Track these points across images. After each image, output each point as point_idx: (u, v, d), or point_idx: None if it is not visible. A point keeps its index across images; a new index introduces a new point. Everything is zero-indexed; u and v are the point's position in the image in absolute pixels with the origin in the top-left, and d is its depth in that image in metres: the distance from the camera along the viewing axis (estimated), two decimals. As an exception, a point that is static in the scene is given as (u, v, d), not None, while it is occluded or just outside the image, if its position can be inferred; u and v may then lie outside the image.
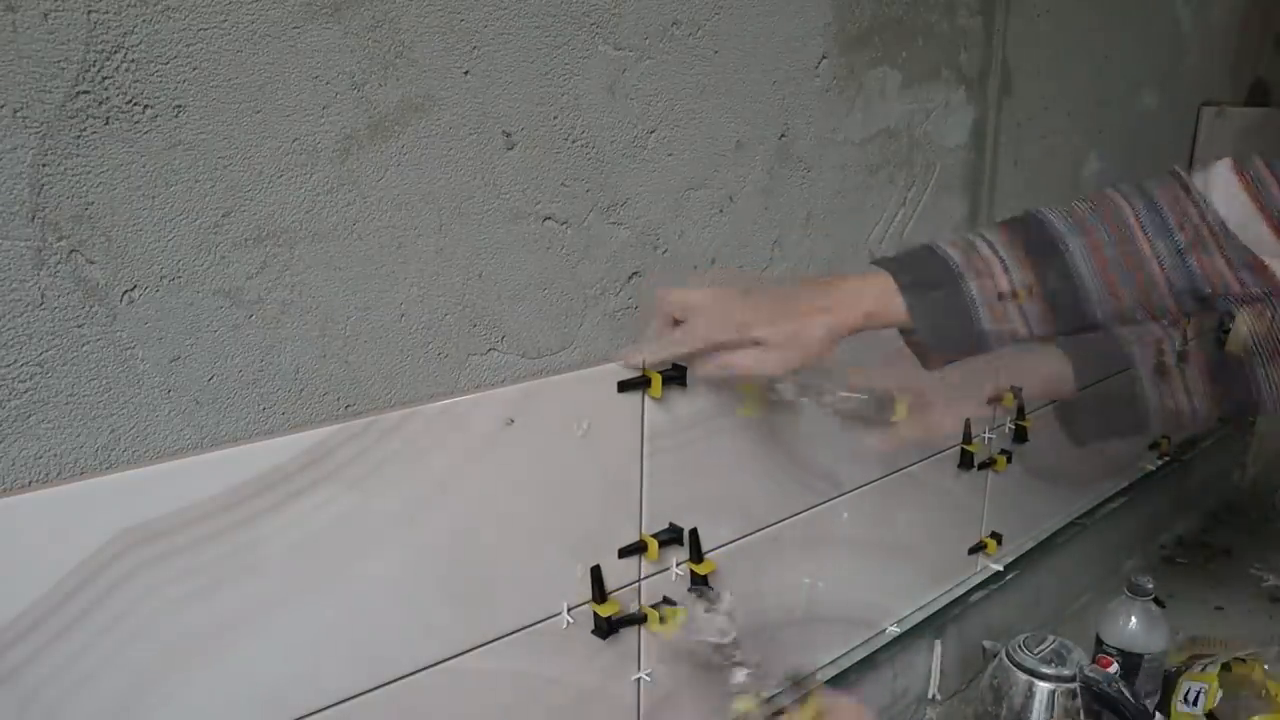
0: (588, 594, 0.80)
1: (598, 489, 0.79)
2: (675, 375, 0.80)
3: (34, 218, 0.49)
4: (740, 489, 0.91)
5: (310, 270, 0.60)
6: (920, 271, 0.74)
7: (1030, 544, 1.40)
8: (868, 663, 1.13)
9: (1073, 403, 1.15)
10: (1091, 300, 0.72)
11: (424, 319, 0.66)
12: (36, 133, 0.48)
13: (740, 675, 0.79)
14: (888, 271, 0.74)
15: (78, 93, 0.49)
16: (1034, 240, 0.73)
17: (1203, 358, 0.84)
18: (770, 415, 0.91)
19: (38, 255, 0.50)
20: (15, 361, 0.50)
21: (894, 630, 1.16)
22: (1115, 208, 0.73)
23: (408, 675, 0.70)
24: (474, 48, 0.64)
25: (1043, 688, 1.08)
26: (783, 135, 0.87)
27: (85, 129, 0.50)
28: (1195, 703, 1.20)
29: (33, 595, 0.52)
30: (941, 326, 0.73)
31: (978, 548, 1.28)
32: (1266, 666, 1.21)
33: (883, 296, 0.73)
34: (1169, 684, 1.25)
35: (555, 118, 0.70)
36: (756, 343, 0.72)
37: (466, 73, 0.64)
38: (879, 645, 1.14)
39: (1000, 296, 0.72)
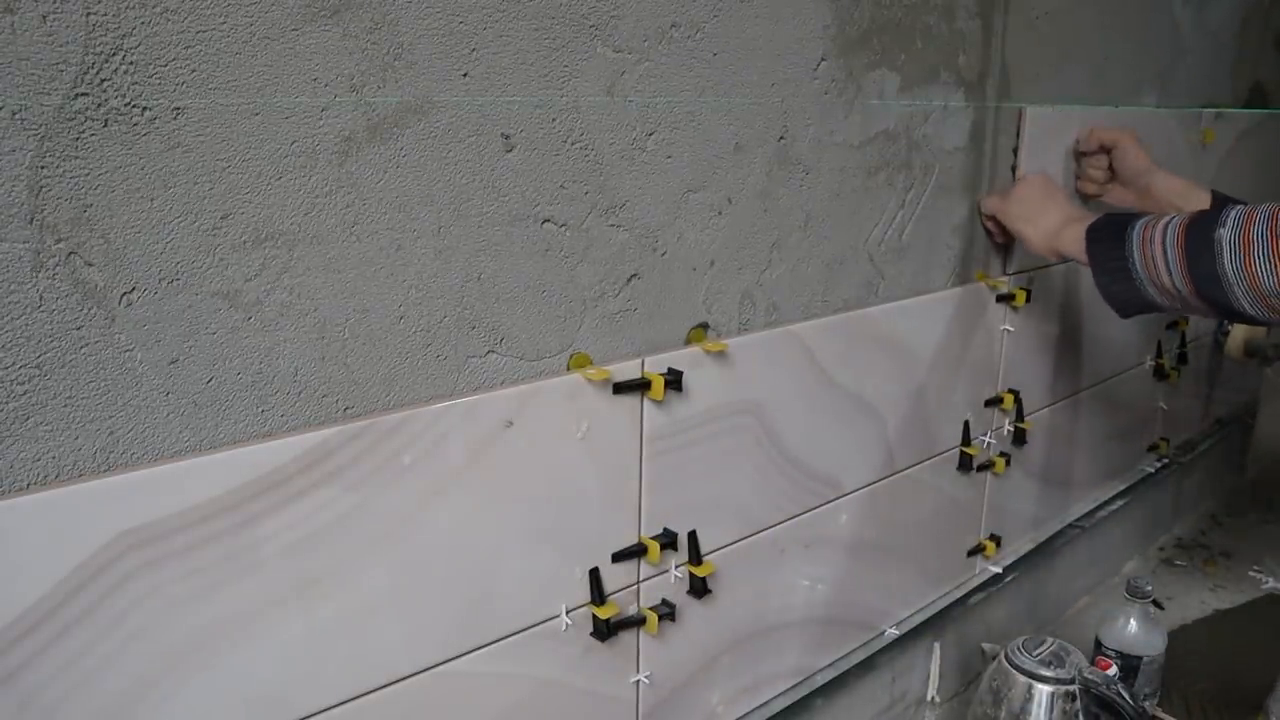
0: (586, 596, 0.80)
1: (597, 491, 0.79)
2: (674, 379, 0.80)
3: (32, 220, 0.49)
4: (740, 491, 0.91)
5: (309, 272, 0.60)
6: (1109, 248, 0.96)
7: (1029, 546, 1.39)
8: (867, 665, 1.13)
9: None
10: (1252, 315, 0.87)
11: (423, 321, 0.66)
12: (35, 135, 0.49)
13: None
14: (1088, 237, 0.97)
15: (76, 95, 0.49)
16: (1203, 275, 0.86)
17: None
18: (769, 416, 0.92)
19: (36, 258, 0.50)
20: (14, 364, 0.50)
21: (893, 633, 1.16)
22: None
23: (406, 678, 0.70)
24: (473, 50, 0.65)
25: (1042, 690, 1.08)
26: (781, 137, 0.87)
27: (84, 131, 0.50)
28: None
29: (32, 597, 0.52)
30: (1115, 293, 0.96)
31: (977, 550, 1.28)
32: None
33: (1077, 246, 0.99)
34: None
35: (554, 120, 0.70)
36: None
37: (465, 75, 0.64)
38: (878, 648, 1.14)
39: (1167, 295, 0.92)
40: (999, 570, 1.31)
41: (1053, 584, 1.49)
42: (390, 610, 0.67)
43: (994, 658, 1.15)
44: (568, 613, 0.79)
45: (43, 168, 0.49)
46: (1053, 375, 1.34)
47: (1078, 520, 1.51)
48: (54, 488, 0.52)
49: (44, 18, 0.48)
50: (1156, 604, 1.27)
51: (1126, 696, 1.04)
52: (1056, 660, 1.09)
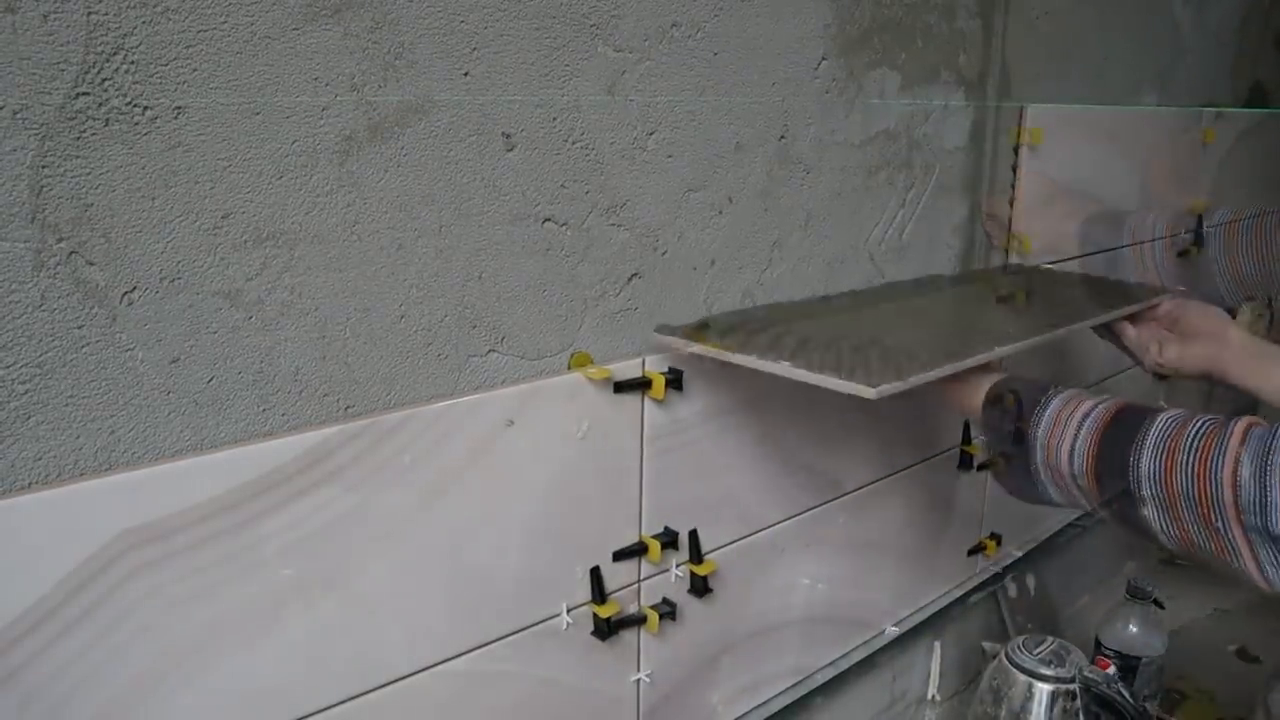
0: (587, 595, 0.80)
1: (597, 490, 0.79)
2: (674, 378, 0.80)
3: (34, 219, 0.49)
4: (740, 490, 0.91)
5: (310, 272, 0.60)
6: (1008, 422, 0.87)
7: (1029, 546, 1.39)
8: (867, 664, 1.13)
9: None
10: (1155, 532, 0.75)
11: (423, 320, 0.66)
12: (36, 134, 0.49)
13: None
14: (988, 404, 0.89)
15: (77, 94, 0.49)
16: (1112, 467, 0.76)
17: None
18: (770, 416, 0.92)
19: (37, 257, 0.50)
20: (15, 363, 0.50)
21: (893, 631, 1.16)
22: (1219, 447, 0.69)
23: (407, 676, 0.70)
24: (474, 49, 0.65)
25: (1042, 689, 1.08)
26: (782, 137, 0.87)
27: (85, 131, 0.50)
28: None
29: (33, 596, 0.52)
30: (1005, 473, 0.88)
31: (977, 549, 1.28)
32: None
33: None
34: None
35: (555, 119, 0.70)
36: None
37: (466, 74, 0.64)
38: (878, 646, 1.14)
39: (1058, 481, 0.83)
40: (999, 569, 1.31)
41: (1053, 584, 1.49)
42: (390, 609, 0.67)
43: (994, 657, 1.15)
44: (568, 611, 0.79)
45: (44, 167, 0.49)
46: (1053, 375, 1.34)
47: (1078, 520, 1.51)
48: (55, 487, 0.52)
49: (45, 17, 0.48)
50: (1157, 604, 1.27)
51: (1126, 696, 1.04)
52: (1057, 659, 1.09)
